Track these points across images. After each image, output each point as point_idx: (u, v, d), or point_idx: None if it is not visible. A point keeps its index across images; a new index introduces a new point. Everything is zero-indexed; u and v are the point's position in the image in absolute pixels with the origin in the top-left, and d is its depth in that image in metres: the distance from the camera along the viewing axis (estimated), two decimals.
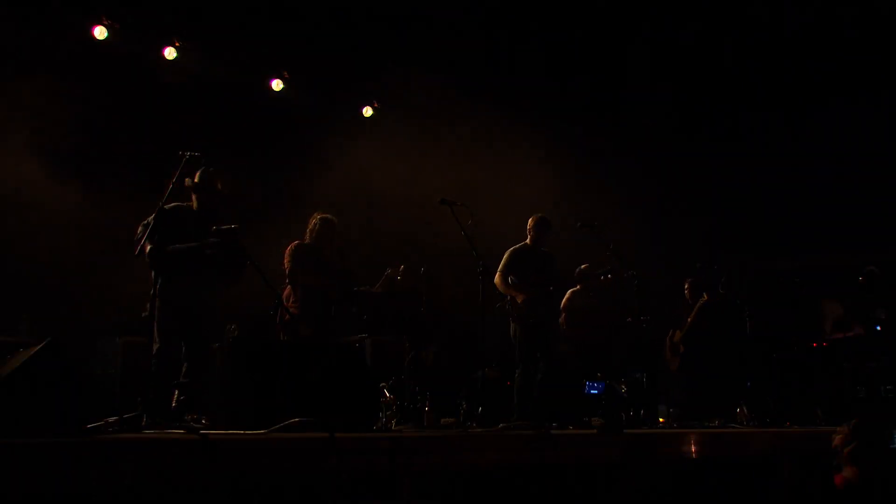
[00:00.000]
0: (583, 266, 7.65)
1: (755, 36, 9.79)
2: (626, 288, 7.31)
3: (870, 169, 10.15)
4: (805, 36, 9.58)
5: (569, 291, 7.88)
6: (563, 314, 7.90)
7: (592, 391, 8.01)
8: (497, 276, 6.92)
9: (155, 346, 5.24)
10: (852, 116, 10.23)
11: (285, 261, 6.36)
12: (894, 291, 8.08)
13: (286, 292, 6.36)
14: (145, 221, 5.28)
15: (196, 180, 5.44)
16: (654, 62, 10.07)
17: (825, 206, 10.34)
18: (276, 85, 9.00)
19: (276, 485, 3.31)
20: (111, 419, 3.68)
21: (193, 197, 5.51)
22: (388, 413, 5.67)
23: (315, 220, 6.49)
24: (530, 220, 7.15)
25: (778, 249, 10.99)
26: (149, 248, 5.19)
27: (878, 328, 8.13)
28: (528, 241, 7.10)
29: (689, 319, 8.46)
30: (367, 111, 9.83)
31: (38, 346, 3.42)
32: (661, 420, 7.63)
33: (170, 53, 8.22)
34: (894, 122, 10.15)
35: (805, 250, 10.77)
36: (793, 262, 10.79)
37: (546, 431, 4.66)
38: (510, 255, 7.03)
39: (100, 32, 7.77)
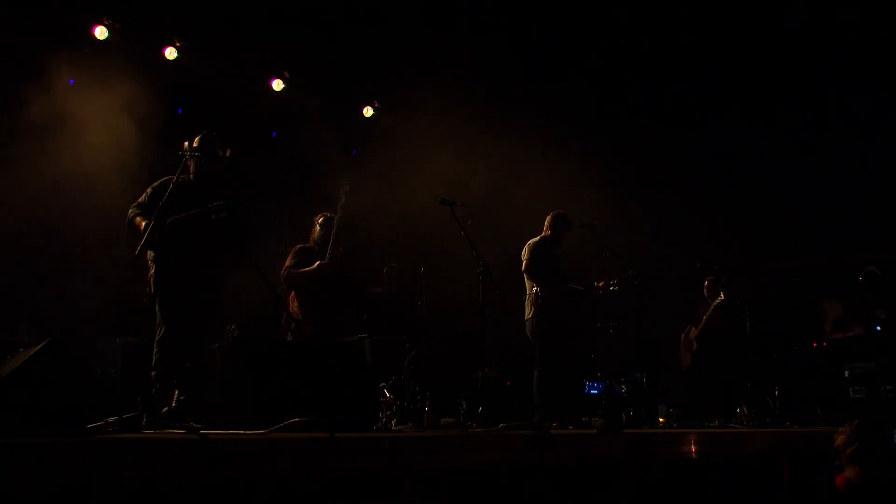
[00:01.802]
0: None
1: (755, 36, 9.79)
2: (627, 289, 7.32)
3: (870, 169, 10.15)
4: (805, 36, 9.58)
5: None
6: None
7: (592, 391, 8.01)
8: (526, 264, 6.93)
9: (159, 332, 5.01)
10: (853, 116, 10.24)
11: (286, 262, 6.39)
12: (894, 291, 8.08)
13: (291, 293, 6.37)
14: (136, 203, 5.14)
15: (195, 144, 5.15)
16: (655, 62, 10.07)
17: (825, 206, 10.34)
18: (277, 85, 9.01)
19: (276, 485, 3.31)
20: (111, 419, 3.67)
21: (191, 165, 5.18)
22: (388, 413, 5.66)
23: (319, 220, 6.50)
24: (549, 216, 7.16)
25: (778, 249, 10.99)
26: (144, 223, 4.85)
27: (878, 328, 8.14)
28: (544, 236, 7.11)
29: (704, 318, 8.53)
30: (368, 111, 9.84)
31: (38, 346, 3.41)
32: (661, 420, 7.63)
33: (170, 53, 8.23)
34: (894, 122, 10.15)
35: (805, 250, 10.77)
36: (793, 262, 10.79)
37: (546, 431, 4.65)
38: (535, 248, 7.00)
39: (100, 32, 7.76)
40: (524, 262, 7.02)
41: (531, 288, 6.99)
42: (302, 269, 6.24)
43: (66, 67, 7.11)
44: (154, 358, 5.06)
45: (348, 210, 6.30)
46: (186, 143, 5.17)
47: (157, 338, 5.07)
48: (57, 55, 7.09)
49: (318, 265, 6.15)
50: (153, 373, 5.03)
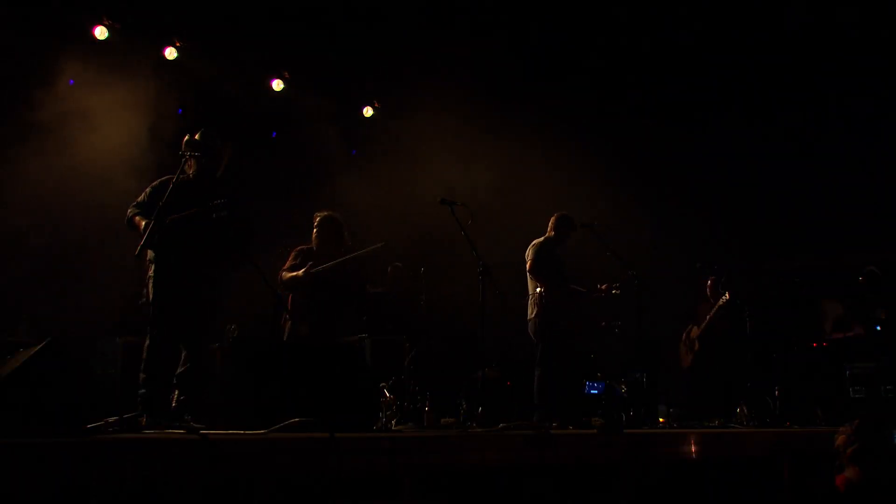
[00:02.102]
0: None
1: (755, 36, 9.78)
2: (627, 289, 7.32)
3: (870, 169, 10.15)
4: (805, 36, 9.57)
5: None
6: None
7: (592, 391, 8.01)
8: (531, 264, 6.93)
9: (146, 340, 4.96)
10: (853, 116, 10.24)
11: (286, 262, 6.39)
12: (894, 291, 8.08)
13: (289, 294, 6.37)
14: (135, 202, 5.10)
15: (196, 137, 5.08)
16: (655, 62, 10.07)
17: (825, 206, 10.34)
18: (277, 85, 9.01)
19: (276, 485, 3.31)
20: (111, 419, 3.67)
21: (191, 164, 5.11)
22: (388, 413, 5.66)
23: (316, 219, 6.49)
24: (553, 217, 7.17)
25: (778, 249, 10.99)
26: (143, 223, 4.80)
27: (878, 328, 8.13)
28: (548, 237, 7.11)
29: (708, 317, 8.51)
30: (368, 111, 9.84)
31: (38, 346, 3.41)
32: (661, 420, 7.63)
33: (170, 53, 8.23)
34: (894, 122, 10.15)
35: (805, 250, 10.77)
36: (793, 262, 10.79)
37: (546, 431, 4.65)
38: (539, 249, 7.01)
39: (100, 32, 7.76)
40: (528, 263, 7.03)
41: (535, 288, 7.00)
42: (290, 273, 6.24)
43: (67, 67, 7.11)
44: (143, 366, 4.96)
45: (364, 256, 6.38)
46: (187, 137, 5.14)
47: (145, 343, 5.00)
48: (57, 55, 7.09)
49: (303, 271, 6.15)
50: (141, 376, 4.95)
